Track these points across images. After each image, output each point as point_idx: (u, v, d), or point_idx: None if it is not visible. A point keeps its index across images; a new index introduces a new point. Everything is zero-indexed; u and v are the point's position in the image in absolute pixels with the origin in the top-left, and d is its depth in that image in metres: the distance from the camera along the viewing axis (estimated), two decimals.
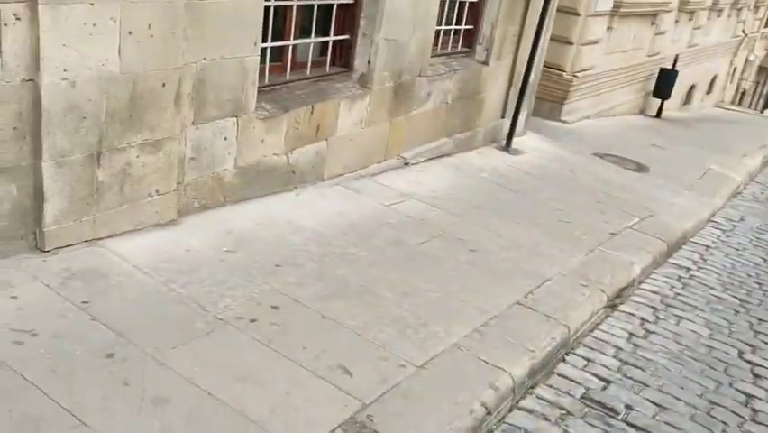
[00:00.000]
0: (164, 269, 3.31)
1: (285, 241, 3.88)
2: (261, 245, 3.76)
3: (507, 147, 6.75)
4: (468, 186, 5.52)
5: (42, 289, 2.93)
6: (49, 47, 2.87)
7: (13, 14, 2.75)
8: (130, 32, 3.15)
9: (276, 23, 4.23)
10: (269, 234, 3.91)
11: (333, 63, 4.89)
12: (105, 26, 3.04)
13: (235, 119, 3.99)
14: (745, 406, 3.43)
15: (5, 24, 2.73)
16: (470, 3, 6.04)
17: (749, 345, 4.07)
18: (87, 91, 3.07)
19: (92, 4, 2.96)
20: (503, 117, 6.88)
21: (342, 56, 4.93)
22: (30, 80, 2.88)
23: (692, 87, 13.71)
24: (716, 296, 4.66)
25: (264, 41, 4.11)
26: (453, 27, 6.01)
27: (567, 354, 3.57)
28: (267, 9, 4.02)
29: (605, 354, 3.66)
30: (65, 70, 2.96)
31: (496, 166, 6.21)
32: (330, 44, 4.80)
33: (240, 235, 3.81)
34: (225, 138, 3.98)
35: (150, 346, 2.72)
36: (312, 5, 4.51)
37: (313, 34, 4.61)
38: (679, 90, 12.11)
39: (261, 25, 3.95)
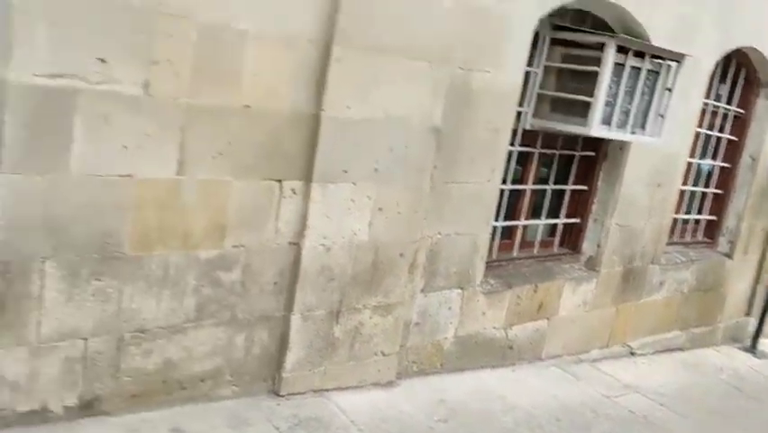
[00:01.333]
0: (377, 427, 3.45)
1: (495, 418, 3.85)
2: (472, 419, 3.76)
3: (751, 348, 6.12)
4: (701, 386, 5.04)
5: (272, 431, 3.22)
6: (314, 217, 3.36)
7: (291, 189, 3.30)
8: (380, 209, 3.58)
9: (509, 204, 4.48)
10: (480, 408, 3.91)
11: (560, 244, 4.98)
12: (361, 202, 3.50)
13: (461, 291, 4.19)
14: None
15: (284, 197, 3.29)
16: (715, 194, 5.85)
17: None
18: (339, 256, 3.50)
19: (354, 184, 3.45)
20: (748, 315, 6.30)
21: (571, 238, 5.01)
22: (294, 244, 3.37)
23: None
24: None
25: (496, 219, 4.36)
26: (694, 216, 5.82)
27: None
28: (501, 191, 4.31)
29: None
30: (324, 237, 3.42)
31: (736, 368, 5.61)
32: (559, 226, 4.92)
33: (452, 406, 3.86)
34: (450, 308, 4.18)
35: None
36: (545, 190, 4.71)
37: (543, 216, 4.78)
38: None
39: (496, 207, 4.23)
